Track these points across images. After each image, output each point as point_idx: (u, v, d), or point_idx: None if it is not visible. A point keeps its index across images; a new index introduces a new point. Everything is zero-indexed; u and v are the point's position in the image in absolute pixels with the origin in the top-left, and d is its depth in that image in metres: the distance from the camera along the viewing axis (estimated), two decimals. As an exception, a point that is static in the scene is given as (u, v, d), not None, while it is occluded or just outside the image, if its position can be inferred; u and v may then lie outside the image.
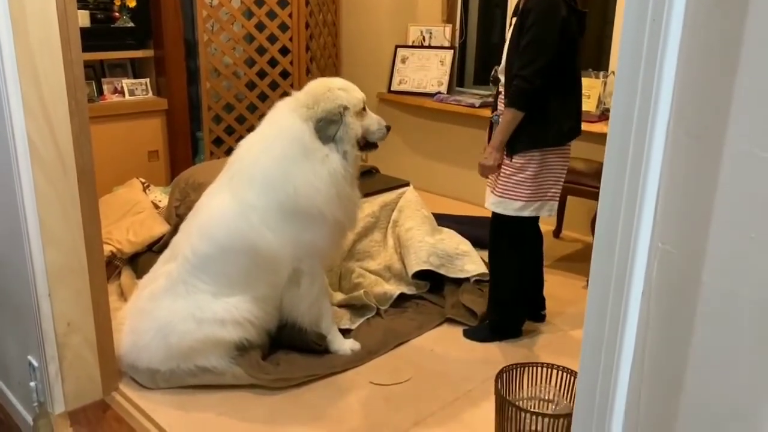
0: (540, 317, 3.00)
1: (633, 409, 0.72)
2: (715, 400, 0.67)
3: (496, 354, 2.74)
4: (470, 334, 2.88)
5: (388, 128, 2.62)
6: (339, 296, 3.05)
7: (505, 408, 1.96)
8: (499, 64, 2.69)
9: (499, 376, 2.05)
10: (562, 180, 2.63)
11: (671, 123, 0.69)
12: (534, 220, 2.72)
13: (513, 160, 2.56)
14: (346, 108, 2.46)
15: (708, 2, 0.66)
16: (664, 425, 0.71)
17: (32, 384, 2.29)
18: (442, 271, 3.12)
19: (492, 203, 2.66)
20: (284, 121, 2.47)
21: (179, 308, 2.42)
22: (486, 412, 2.26)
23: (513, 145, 2.55)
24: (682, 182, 0.69)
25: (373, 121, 2.57)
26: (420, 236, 3.20)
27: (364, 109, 2.55)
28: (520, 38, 2.45)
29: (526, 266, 2.81)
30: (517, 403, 1.99)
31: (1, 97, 1.92)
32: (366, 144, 2.58)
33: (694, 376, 0.69)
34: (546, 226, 4.03)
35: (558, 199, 2.64)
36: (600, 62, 4.24)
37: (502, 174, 2.61)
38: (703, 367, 0.68)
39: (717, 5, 0.65)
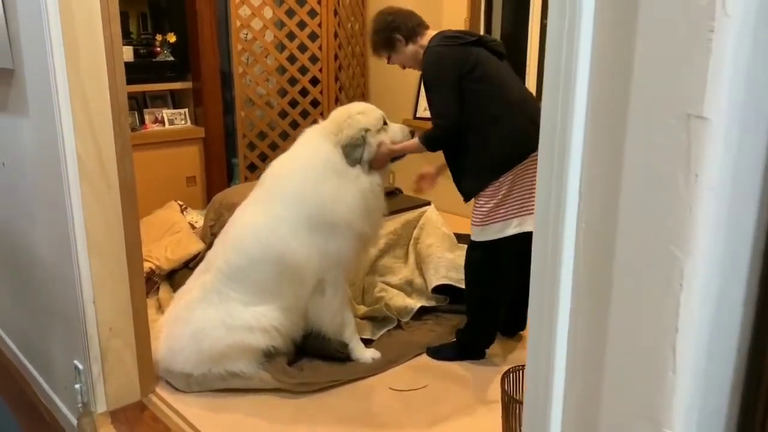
0: (514, 335, 3.03)
1: (572, 354, 0.86)
2: (629, 339, 0.81)
3: (512, 362, 2.84)
4: (433, 352, 2.91)
5: (413, 133, 2.78)
6: (362, 309, 3.20)
7: (510, 405, 2.08)
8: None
9: (505, 376, 2.17)
10: (534, 191, 2.51)
11: (587, 125, 0.85)
12: (517, 243, 2.62)
13: (479, 198, 2.64)
14: (367, 130, 2.66)
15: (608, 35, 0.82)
16: (596, 362, 0.85)
17: (77, 386, 2.48)
18: (461, 285, 3.25)
19: (475, 234, 2.69)
20: (316, 146, 2.68)
21: (211, 316, 2.61)
22: (499, 416, 2.37)
23: (468, 191, 2.65)
24: (597, 169, 0.85)
25: (396, 131, 2.76)
26: (440, 252, 3.35)
27: (385, 123, 2.75)
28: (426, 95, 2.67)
29: (502, 291, 2.77)
30: (521, 401, 2.10)
31: (55, 119, 2.15)
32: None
33: (614, 322, 0.83)
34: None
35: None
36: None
37: (475, 204, 2.67)
38: (620, 314, 0.82)
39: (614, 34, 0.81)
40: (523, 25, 4.82)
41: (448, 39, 2.66)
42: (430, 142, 2.67)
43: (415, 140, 2.73)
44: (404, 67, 2.90)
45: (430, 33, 2.76)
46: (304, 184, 2.62)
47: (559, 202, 0.85)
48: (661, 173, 0.75)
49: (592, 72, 0.80)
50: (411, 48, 2.77)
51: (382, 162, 2.75)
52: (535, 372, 0.92)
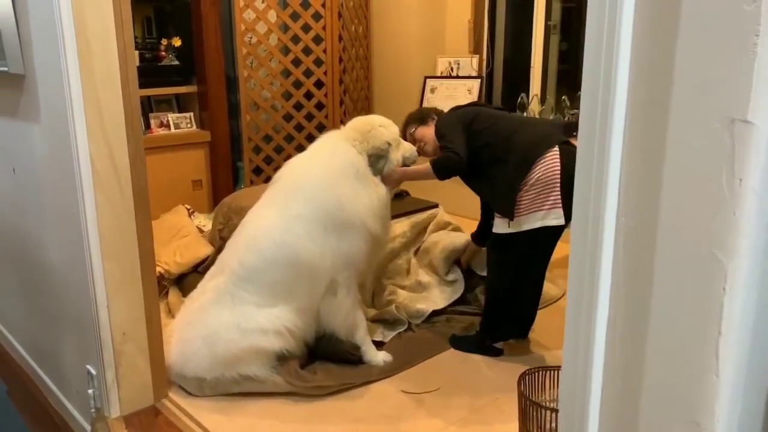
0: (524, 336, 3.03)
1: (610, 356, 0.86)
2: (671, 340, 0.81)
3: (524, 365, 2.84)
4: (456, 342, 3.01)
5: (419, 152, 2.99)
6: (372, 312, 3.20)
7: (527, 408, 2.08)
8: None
9: (521, 378, 2.17)
10: (557, 185, 2.60)
11: (627, 122, 0.85)
12: (541, 236, 2.66)
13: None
14: (389, 144, 2.77)
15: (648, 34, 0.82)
16: (635, 364, 0.86)
17: (90, 391, 2.48)
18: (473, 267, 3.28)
19: (497, 226, 2.73)
20: (336, 148, 2.74)
21: (225, 318, 2.61)
22: (512, 418, 2.36)
23: (507, 211, 2.68)
24: (638, 167, 0.85)
25: (408, 149, 2.92)
26: (449, 238, 3.40)
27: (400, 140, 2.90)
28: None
29: (524, 285, 2.81)
30: (539, 403, 2.10)
31: (69, 125, 2.15)
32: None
33: (655, 324, 0.83)
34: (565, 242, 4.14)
35: (560, 205, 2.60)
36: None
37: None
38: (661, 315, 0.82)
39: (654, 34, 0.82)
40: (526, 27, 4.82)
41: (451, 109, 3.05)
42: (441, 169, 2.79)
43: (427, 165, 2.84)
44: (418, 148, 3.04)
45: None
46: (323, 182, 2.65)
47: (598, 201, 0.85)
48: (704, 177, 0.75)
49: (632, 75, 0.80)
50: None
51: (395, 184, 2.92)
52: (572, 375, 0.92)
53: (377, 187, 2.73)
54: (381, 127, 2.80)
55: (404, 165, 2.88)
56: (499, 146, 2.72)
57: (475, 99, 4.99)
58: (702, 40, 0.74)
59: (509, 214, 2.66)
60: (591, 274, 0.88)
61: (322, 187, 2.64)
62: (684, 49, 0.76)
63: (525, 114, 4.38)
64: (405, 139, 3.08)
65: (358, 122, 2.85)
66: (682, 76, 0.76)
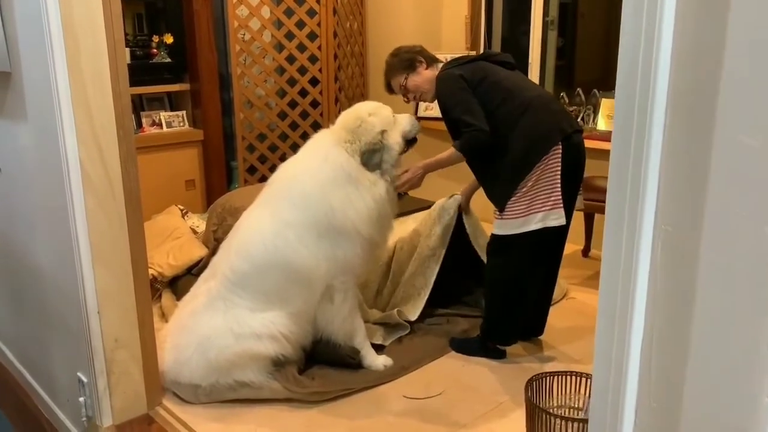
0: (532, 339, 2.98)
1: (645, 374, 0.79)
2: (716, 360, 0.74)
3: (527, 367, 2.78)
4: (457, 345, 2.93)
5: (419, 118, 2.77)
6: (375, 313, 3.13)
7: (535, 414, 2.01)
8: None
9: (529, 384, 2.11)
10: (558, 185, 2.54)
11: (668, 118, 0.78)
12: (541, 239, 2.61)
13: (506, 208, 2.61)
14: (383, 131, 2.60)
15: (693, 11, 0.75)
16: (674, 385, 0.78)
17: (81, 399, 2.40)
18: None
19: (496, 227, 2.66)
20: (327, 153, 2.58)
21: (218, 324, 2.53)
22: (517, 424, 2.31)
23: (498, 200, 2.62)
24: (679, 170, 0.78)
25: (406, 122, 2.71)
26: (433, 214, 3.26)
27: (393, 117, 2.69)
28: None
29: (524, 286, 2.73)
30: (547, 410, 2.04)
31: (57, 125, 2.07)
32: (406, 143, 2.72)
33: (697, 342, 0.76)
34: (575, 245, 4.08)
35: (561, 205, 2.54)
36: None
37: None
38: (705, 332, 0.75)
39: (701, 12, 0.74)
40: (523, 22, 4.76)
41: (452, 62, 2.79)
42: (470, 149, 2.62)
43: (450, 151, 2.69)
44: (414, 98, 2.90)
45: (440, 66, 2.85)
46: (313, 191, 2.53)
47: (635, 206, 0.78)
48: (756, 180, 0.68)
49: (674, 61, 0.73)
50: (429, 72, 2.85)
51: (419, 182, 2.75)
52: (603, 396, 0.85)
53: (373, 188, 2.57)
54: (371, 116, 2.61)
55: (407, 141, 2.69)
56: (504, 129, 2.58)
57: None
58: (760, 13, 0.66)
59: (499, 207, 2.63)
60: (625, 286, 0.80)
61: (313, 197, 2.52)
62: (737, 26, 0.68)
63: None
64: (392, 93, 2.93)
65: (347, 118, 2.66)
66: (734, 62, 0.68)
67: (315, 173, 2.55)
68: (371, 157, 2.57)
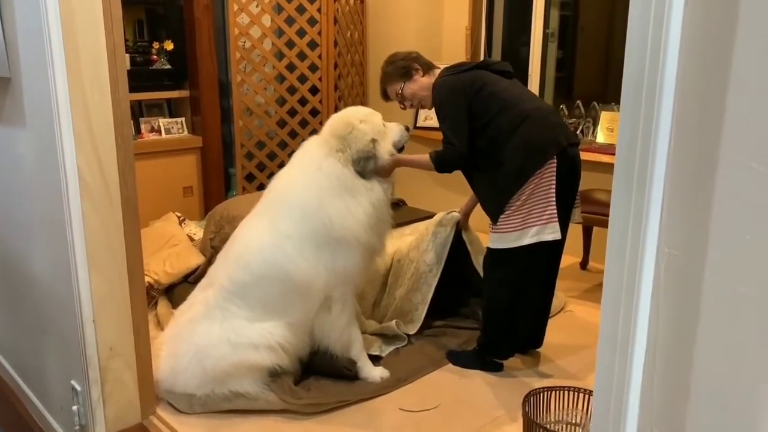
0: (530, 352, 2.96)
1: (647, 401, 0.78)
2: (720, 389, 0.73)
3: (524, 381, 2.77)
4: (454, 357, 2.91)
5: (407, 128, 2.77)
6: (373, 324, 3.11)
7: (532, 430, 2.00)
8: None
9: (526, 399, 2.09)
10: (553, 199, 2.52)
11: (672, 139, 0.77)
12: (538, 253, 2.59)
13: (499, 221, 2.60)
14: (374, 140, 2.57)
15: (701, 21, 0.74)
16: (676, 414, 0.77)
17: (74, 408, 2.37)
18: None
19: (491, 240, 2.64)
20: (319, 163, 2.55)
21: (215, 333, 2.51)
22: (515, 438, 2.29)
23: (493, 211, 2.62)
24: (684, 193, 0.77)
25: (395, 132, 2.70)
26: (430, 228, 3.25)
27: (383, 125, 2.67)
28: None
29: (522, 300, 2.70)
30: (545, 426, 2.02)
31: (55, 131, 2.05)
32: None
33: (701, 370, 0.75)
34: (573, 257, 4.07)
35: (556, 219, 2.52)
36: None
37: None
38: (710, 360, 0.74)
39: (709, 23, 0.74)
40: (524, 34, 4.77)
41: (451, 69, 2.76)
42: (441, 164, 2.67)
43: (425, 157, 2.70)
44: (411, 105, 2.90)
45: (438, 72, 2.83)
46: (309, 201, 2.51)
47: (638, 227, 0.77)
48: (762, 205, 0.67)
49: (680, 78, 0.72)
50: (426, 80, 2.82)
51: (388, 172, 2.69)
52: (602, 424, 0.83)
53: (370, 193, 2.55)
54: (362, 123, 2.58)
55: (398, 150, 2.69)
56: (500, 140, 2.57)
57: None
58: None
59: (493, 219, 2.62)
60: (627, 310, 0.79)
61: (310, 209, 2.50)
62: (745, 39, 0.67)
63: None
64: (388, 100, 2.92)
65: (336, 124, 2.61)
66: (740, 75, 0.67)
67: (310, 185, 2.52)
68: (366, 164, 2.55)
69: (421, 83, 2.81)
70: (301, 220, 2.50)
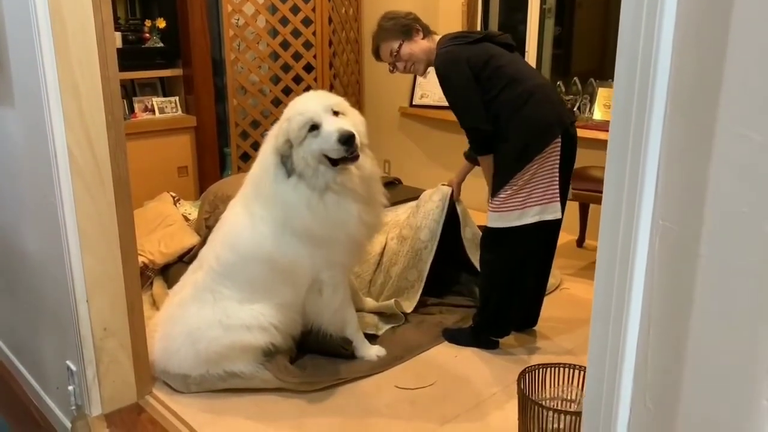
0: (526, 330, 2.96)
1: (641, 374, 0.77)
2: (714, 361, 0.72)
3: (520, 358, 2.77)
4: (449, 336, 2.91)
5: (352, 137, 2.24)
6: (370, 302, 3.10)
7: (527, 407, 2.00)
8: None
9: (521, 376, 2.09)
10: (556, 179, 2.52)
11: (668, 110, 0.75)
12: (537, 232, 2.58)
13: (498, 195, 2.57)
14: (287, 141, 2.35)
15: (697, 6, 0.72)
16: (670, 385, 0.76)
17: (70, 388, 2.38)
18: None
19: (491, 219, 2.60)
20: (264, 151, 2.49)
21: (206, 315, 2.49)
22: (510, 415, 2.30)
23: (494, 186, 2.60)
24: (679, 164, 0.75)
25: (325, 139, 2.28)
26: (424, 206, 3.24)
27: (315, 127, 2.30)
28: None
29: (519, 279, 2.69)
30: (539, 402, 2.02)
31: (44, 111, 2.02)
32: (334, 161, 2.33)
33: (695, 343, 0.74)
34: (570, 235, 4.06)
35: (558, 198, 2.52)
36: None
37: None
38: (704, 333, 0.73)
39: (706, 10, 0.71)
40: (520, 10, 4.71)
41: (456, 38, 2.67)
42: (480, 149, 2.66)
43: (466, 163, 2.87)
44: (403, 68, 2.82)
45: (437, 38, 2.76)
46: (267, 188, 2.44)
47: (633, 197, 0.75)
48: (758, 175, 0.65)
49: (675, 48, 0.70)
50: (426, 43, 2.75)
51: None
52: (596, 394, 0.82)
53: (296, 191, 2.36)
54: (286, 121, 2.37)
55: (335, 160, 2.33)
56: (505, 117, 2.53)
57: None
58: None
59: (493, 194, 2.59)
60: (621, 282, 0.78)
61: (269, 195, 2.42)
62: (741, 11, 0.65)
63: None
64: (379, 60, 2.81)
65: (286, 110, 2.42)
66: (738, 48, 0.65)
67: (260, 178, 2.46)
68: (285, 162, 2.36)
69: (421, 45, 2.73)
70: (267, 205, 2.44)
